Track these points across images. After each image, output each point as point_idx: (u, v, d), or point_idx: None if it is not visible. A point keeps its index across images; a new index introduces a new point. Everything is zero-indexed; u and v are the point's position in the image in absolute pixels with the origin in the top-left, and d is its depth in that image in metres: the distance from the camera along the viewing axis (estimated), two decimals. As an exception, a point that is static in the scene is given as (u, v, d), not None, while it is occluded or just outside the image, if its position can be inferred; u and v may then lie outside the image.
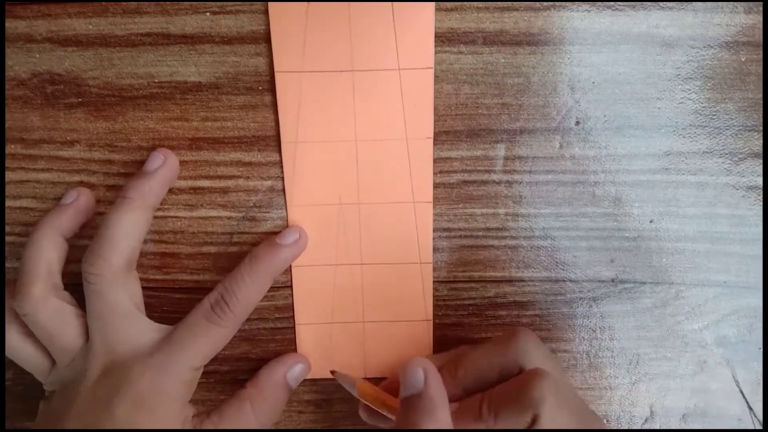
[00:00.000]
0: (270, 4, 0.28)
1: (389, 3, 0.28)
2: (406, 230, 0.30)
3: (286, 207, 0.30)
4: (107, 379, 0.27)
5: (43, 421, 0.29)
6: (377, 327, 0.31)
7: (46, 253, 0.28)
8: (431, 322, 0.31)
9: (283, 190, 0.30)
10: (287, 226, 0.30)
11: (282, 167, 0.30)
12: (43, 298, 0.28)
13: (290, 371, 0.30)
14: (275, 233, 0.30)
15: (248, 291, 0.28)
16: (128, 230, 0.28)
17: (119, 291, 0.28)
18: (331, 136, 0.29)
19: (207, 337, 0.27)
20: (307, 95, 0.29)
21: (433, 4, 0.28)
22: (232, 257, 0.31)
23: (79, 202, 0.29)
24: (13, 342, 0.29)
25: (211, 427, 0.28)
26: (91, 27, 0.28)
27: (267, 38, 0.28)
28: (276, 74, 0.28)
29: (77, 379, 0.27)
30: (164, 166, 0.29)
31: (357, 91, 0.29)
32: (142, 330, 0.28)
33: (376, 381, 0.32)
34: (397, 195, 0.30)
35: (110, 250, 0.27)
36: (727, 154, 0.30)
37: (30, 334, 0.29)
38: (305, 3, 0.28)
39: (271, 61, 0.28)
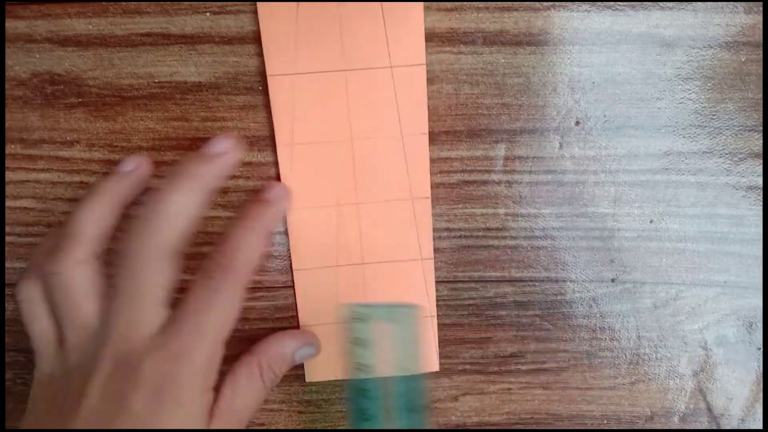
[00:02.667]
0: (259, 5, 0.27)
1: (378, 3, 0.28)
2: (406, 227, 0.30)
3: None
4: (120, 371, 0.24)
5: (44, 408, 0.26)
6: None
7: (99, 216, 0.26)
8: (435, 318, 0.31)
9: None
10: (286, 226, 0.30)
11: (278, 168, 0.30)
12: (84, 261, 0.26)
13: (300, 350, 0.30)
14: (273, 231, 0.30)
15: (242, 247, 0.26)
16: (180, 211, 0.26)
17: (153, 273, 0.25)
18: (326, 137, 0.29)
19: (211, 307, 0.25)
20: (301, 97, 0.29)
21: (422, 3, 0.28)
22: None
23: (140, 171, 0.28)
24: (31, 299, 0.27)
25: (225, 403, 0.26)
26: (91, 27, 0.28)
27: (267, 38, 0.28)
28: (268, 78, 0.28)
29: (86, 369, 0.25)
30: (227, 153, 0.27)
31: (350, 91, 0.29)
32: (158, 315, 0.25)
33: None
34: (395, 192, 0.30)
35: (156, 230, 0.25)
36: (727, 154, 0.30)
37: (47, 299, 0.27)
38: (295, 3, 0.28)
39: (271, 61, 0.29)
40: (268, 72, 0.28)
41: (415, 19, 0.28)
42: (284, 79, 0.28)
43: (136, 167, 0.28)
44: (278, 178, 0.30)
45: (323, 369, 0.32)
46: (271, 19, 0.28)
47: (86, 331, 0.26)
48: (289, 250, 0.30)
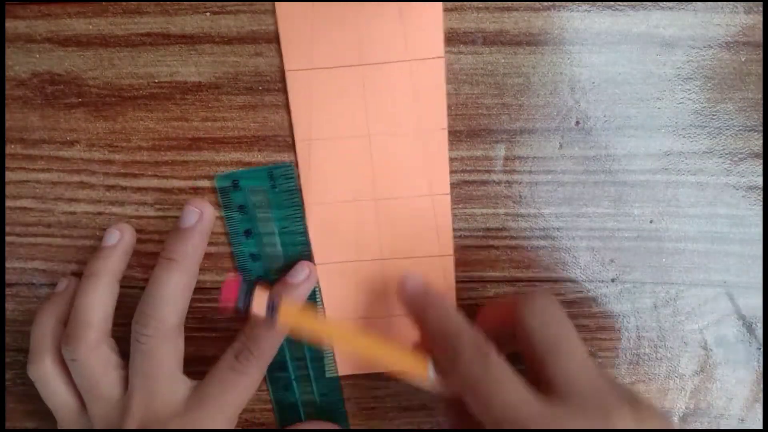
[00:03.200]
0: (277, 3, 0.27)
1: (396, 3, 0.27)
2: (425, 223, 0.30)
3: (303, 205, 0.30)
4: None
5: None
6: (403, 321, 0.31)
7: (102, 299, 0.29)
8: None
9: (299, 189, 0.30)
10: (305, 222, 0.30)
11: (297, 166, 0.30)
12: (96, 346, 0.28)
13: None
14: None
15: (269, 335, 0.29)
16: (177, 291, 0.28)
17: (167, 351, 0.28)
18: (344, 132, 0.29)
19: (235, 388, 0.28)
20: (319, 92, 0.28)
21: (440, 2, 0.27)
22: (232, 257, 0.31)
23: (125, 241, 0.30)
24: (51, 375, 0.29)
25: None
26: (91, 27, 0.28)
27: (267, 38, 0.28)
28: (287, 73, 0.28)
29: None
30: (201, 221, 0.29)
31: (368, 85, 0.28)
32: (179, 388, 0.28)
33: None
34: (414, 188, 0.30)
35: (163, 311, 0.27)
36: (727, 154, 0.30)
37: (65, 371, 0.29)
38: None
39: (272, 61, 0.28)
40: (286, 67, 0.28)
41: (434, 10, 0.27)
42: (302, 74, 0.28)
43: (119, 238, 0.30)
44: (297, 175, 0.30)
45: (344, 363, 0.32)
46: (289, 14, 0.27)
47: (109, 403, 0.28)
48: (309, 244, 0.30)
